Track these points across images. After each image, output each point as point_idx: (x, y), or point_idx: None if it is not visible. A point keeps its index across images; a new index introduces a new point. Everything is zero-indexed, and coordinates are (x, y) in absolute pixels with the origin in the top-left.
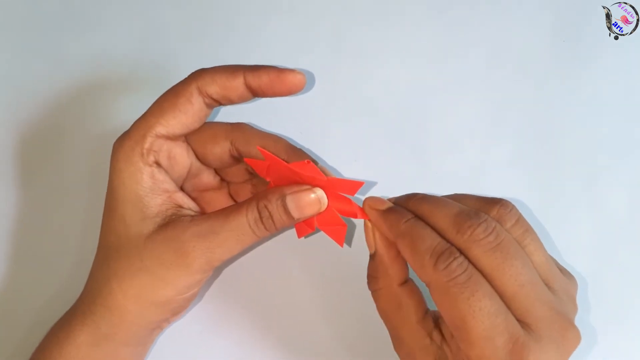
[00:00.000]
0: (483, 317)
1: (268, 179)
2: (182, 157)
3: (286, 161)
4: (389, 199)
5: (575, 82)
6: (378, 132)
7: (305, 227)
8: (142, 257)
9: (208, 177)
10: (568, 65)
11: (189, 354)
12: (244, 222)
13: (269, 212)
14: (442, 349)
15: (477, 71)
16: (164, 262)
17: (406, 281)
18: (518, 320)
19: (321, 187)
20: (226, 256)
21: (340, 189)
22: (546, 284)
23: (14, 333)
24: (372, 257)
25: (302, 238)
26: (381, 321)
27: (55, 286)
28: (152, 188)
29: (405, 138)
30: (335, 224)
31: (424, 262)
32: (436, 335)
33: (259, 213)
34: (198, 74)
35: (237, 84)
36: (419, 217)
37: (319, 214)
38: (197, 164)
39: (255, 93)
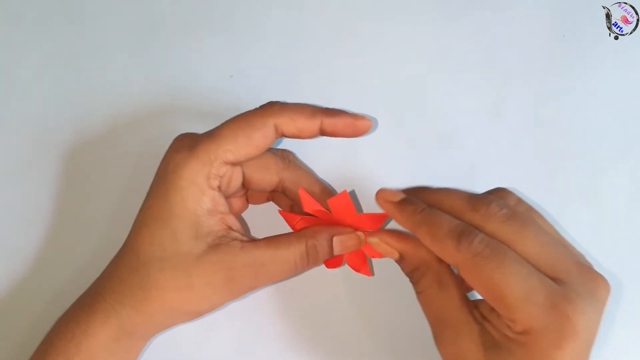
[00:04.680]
0: (517, 280)
1: (296, 229)
2: (236, 180)
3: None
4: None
5: (575, 81)
6: (377, 127)
7: (334, 262)
8: (189, 274)
9: (239, 191)
10: (568, 64)
11: (188, 350)
12: (291, 258)
13: (317, 251)
14: (484, 326)
15: (476, 66)
16: (212, 284)
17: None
18: (549, 277)
19: (349, 224)
20: (267, 284)
21: (366, 223)
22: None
23: (20, 327)
24: (401, 260)
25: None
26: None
27: (69, 285)
28: (211, 210)
29: (403, 132)
30: (360, 259)
31: (447, 245)
32: (477, 314)
33: (307, 251)
34: (277, 111)
35: (313, 126)
36: (431, 206)
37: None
38: (241, 185)
39: (324, 134)
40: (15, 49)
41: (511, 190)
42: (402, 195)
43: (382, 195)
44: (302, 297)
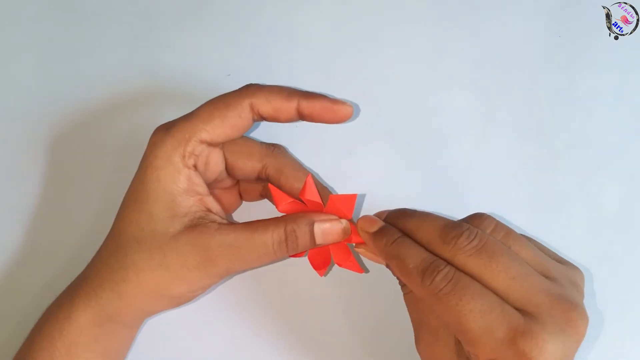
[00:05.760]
0: (475, 316)
1: (279, 209)
2: (215, 164)
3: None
4: (382, 212)
5: (574, 81)
6: (373, 127)
7: (323, 261)
8: (164, 253)
9: (226, 181)
10: (567, 64)
11: (181, 350)
12: (268, 242)
13: (296, 236)
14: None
15: (472, 66)
16: (187, 263)
17: None
18: (518, 310)
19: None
20: (244, 268)
21: (340, 208)
22: (543, 275)
23: (11, 320)
24: (388, 267)
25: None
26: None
27: (58, 277)
28: (187, 190)
29: (399, 133)
30: (347, 256)
31: (413, 280)
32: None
33: (286, 236)
34: (253, 91)
35: (290, 108)
36: (406, 234)
37: (334, 245)
38: (224, 172)
39: (303, 117)
40: (9, 45)
41: (489, 214)
42: (379, 225)
43: (360, 224)
44: (296, 296)
